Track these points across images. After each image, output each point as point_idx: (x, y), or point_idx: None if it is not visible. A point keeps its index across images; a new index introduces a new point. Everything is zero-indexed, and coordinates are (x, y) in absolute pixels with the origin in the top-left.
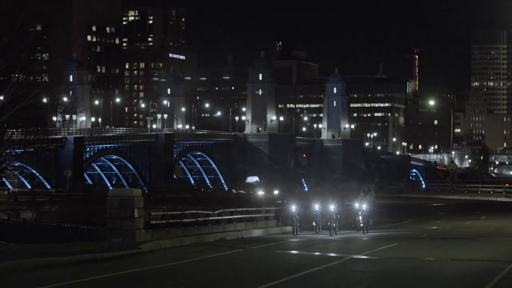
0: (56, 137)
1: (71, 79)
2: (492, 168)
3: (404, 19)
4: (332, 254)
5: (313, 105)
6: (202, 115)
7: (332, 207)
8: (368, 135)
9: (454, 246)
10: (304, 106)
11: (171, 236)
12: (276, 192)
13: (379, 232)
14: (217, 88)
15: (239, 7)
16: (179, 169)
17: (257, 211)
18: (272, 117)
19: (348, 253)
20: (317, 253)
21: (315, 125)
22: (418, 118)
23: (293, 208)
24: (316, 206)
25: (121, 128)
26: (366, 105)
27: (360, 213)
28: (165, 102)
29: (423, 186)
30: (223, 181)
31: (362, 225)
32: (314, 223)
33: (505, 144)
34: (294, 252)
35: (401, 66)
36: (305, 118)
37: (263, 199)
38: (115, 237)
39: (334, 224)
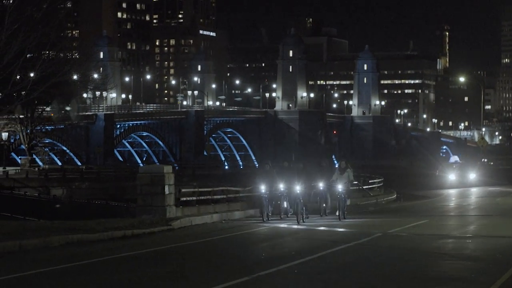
0: (86, 113)
1: (101, 56)
2: None
3: None
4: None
5: (343, 82)
6: (233, 91)
7: (297, 188)
8: (399, 111)
9: (484, 223)
10: (334, 82)
11: (202, 213)
12: (473, 176)
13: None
14: (247, 65)
15: None
16: (209, 145)
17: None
18: (302, 93)
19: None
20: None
21: (345, 102)
22: (448, 95)
23: (263, 188)
24: (281, 186)
25: (152, 104)
26: (397, 81)
27: (337, 195)
28: (195, 78)
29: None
30: (253, 158)
31: (338, 211)
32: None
33: None
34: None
35: (432, 42)
36: (336, 95)
37: (453, 182)
38: (146, 213)
39: (301, 209)
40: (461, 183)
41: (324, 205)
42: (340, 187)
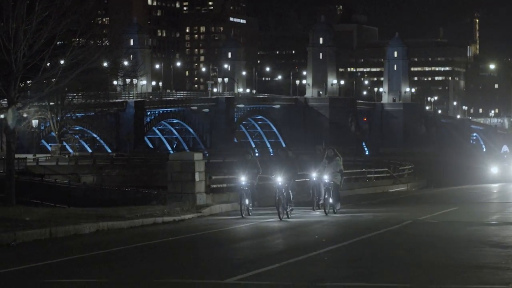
0: (116, 101)
1: (131, 43)
2: None
3: None
4: None
5: (373, 69)
6: (263, 78)
7: (279, 179)
8: (429, 99)
9: None
10: (364, 69)
11: (232, 200)
12: None
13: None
14: (277, 52)
15: None
16: (239, 132)
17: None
18: (332, 80)
19: None
20: None
21: (375, 89)
22: (478, 82)
23: (243, 180)
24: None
25: (182, 92)
26: (427, 69)
27: (323, 187)
28: (225, 66)
29: (484, 150)
30: (283, 145)
31: (330, 202)
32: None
33: None
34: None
35: (462, 30)
36: (366, 82)
37: (495, 177)
38: (176, 201)
39: (286, 204)
40: (503, 178)
41: (318, 197)
42: (326, 177)
